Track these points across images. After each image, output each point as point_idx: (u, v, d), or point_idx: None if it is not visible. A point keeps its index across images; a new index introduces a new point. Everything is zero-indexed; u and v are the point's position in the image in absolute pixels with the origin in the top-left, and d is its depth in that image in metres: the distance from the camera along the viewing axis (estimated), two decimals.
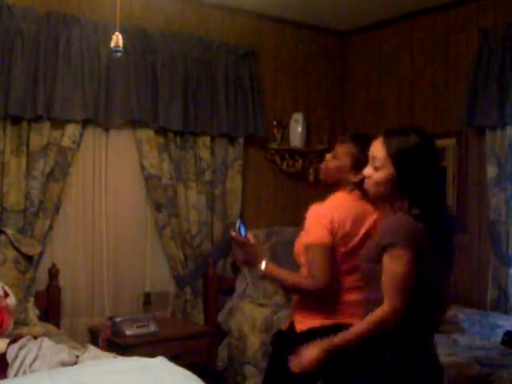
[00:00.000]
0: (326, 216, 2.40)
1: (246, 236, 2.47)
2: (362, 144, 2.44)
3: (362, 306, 2.20)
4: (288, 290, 2.70)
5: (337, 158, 2.54)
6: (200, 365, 3.59)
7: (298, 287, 2.45)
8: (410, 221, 1.97)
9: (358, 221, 2.43)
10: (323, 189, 2.61)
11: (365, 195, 2.36)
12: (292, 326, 2.51)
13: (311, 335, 2.32)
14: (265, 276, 2.50)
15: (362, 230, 2.42)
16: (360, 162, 2.38)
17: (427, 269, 1.97)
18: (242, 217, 2.61)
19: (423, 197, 2.01)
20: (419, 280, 1.95)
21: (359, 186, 2.40)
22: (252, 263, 2.48)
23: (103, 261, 4.07)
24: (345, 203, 2.47)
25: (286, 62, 4.94)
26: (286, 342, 2.52)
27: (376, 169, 2.09)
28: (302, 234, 2.51)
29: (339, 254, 2.40)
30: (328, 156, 2.60)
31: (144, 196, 4.25)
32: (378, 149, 2.11)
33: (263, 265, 2.44)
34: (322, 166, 2.62)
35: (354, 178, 2.47)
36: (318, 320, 2.41)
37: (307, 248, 2.43)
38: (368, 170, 2.13)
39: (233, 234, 2.49)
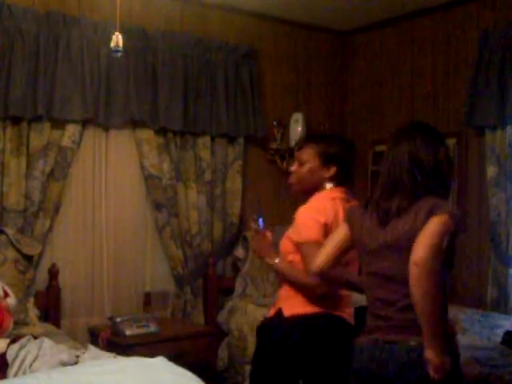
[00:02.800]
0: (319, 217, 2.45)
1: (264, 230, 2.59)
2: (323, 140, 2.60)
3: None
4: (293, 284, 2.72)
5: (304, 164, 2.60)
6: (200, 365, 3.58)
7: (300, 282, 2.49)
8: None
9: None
10: (300, 199, 2.66)
11: (344, 190, 2.54)
12: (279, 313, 2.53)
13: (301, 321, 2.43)
14: (276, 269, 2.59)
15: None
16: (329, 155, 2.54)
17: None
18: (261, 212, 2.73)
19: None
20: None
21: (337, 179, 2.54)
22: (266, 256, 2.57)
23: (103, 261, 4.08)
24: (331, 201, 2.52)
25: (286, 62, 4.94)
26: (272, 329, 2.55)
27: None
28: (289, 233, 2.57)
29: None
30: (293, 167, 2.68)
31: (144, 196, 4.25)
32: None
33: (277, 260, 2.54)
34: (293, 178, 2.68)
35: (328, 173, 2.56)
36: (309, 307, 2.46)
37: (301, 246, 2.46)
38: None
39: (253, 225, 2.59)
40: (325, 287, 2.40)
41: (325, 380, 2.45)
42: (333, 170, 2.56)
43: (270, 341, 2.55)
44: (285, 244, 2.59)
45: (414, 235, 2.00)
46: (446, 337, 1.99)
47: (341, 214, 2.47)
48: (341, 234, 2.27)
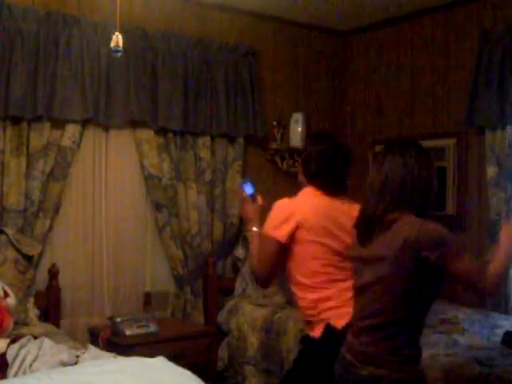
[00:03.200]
0: (291, 216, 2.51)
1: (253, 195, 2.70)
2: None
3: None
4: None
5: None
6: (200, 365, 3.59)
7: (250, 260, 2.67)
8: None
9: (324, 215, 2.52)
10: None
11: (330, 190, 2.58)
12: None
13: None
14: (249, 237, 2.72)
15: (331, 225, 2.51)
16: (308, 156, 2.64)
17: None
18: (247, 178, 2.82)
19: None
20: None
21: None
22: (251, 220, 2.66)
23: (103, 261, 4.08)
24: (309, 198, 2.58)
25: (286, 62, 4.94)
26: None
27: None
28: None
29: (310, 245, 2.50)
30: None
31: (144, 196, 4.25)
32: None
33: (255, 228, 2.64)
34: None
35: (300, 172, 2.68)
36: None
37: (262, 235, 2.55)
38: None
39: (241, 192, 2.75)
40: (258, 281, 2.62)
41: None
42: (299, 169, 2.73)
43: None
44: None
45: (385, 259, 2.02)
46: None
47: (316, 211, 2.52)
48: None
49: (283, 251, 2.54)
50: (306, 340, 2.60)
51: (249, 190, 2.69)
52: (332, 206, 2.57)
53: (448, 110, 4.47)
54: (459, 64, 4.39)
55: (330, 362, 2.22)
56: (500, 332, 3.38)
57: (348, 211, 2.53)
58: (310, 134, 2.74)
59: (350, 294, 2.32)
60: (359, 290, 2.14)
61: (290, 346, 3.67)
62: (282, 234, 2.50)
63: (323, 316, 2.48)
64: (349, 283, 2.35)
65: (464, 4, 4.35)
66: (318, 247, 2.50)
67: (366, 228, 2.11)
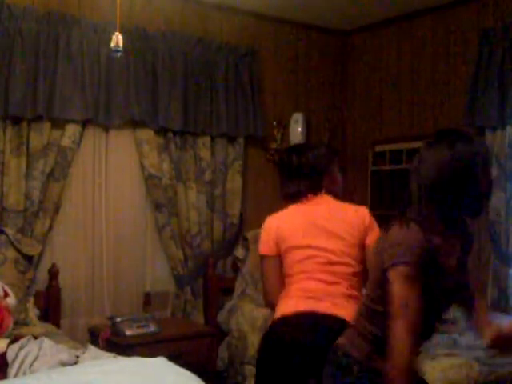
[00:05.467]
0: (270, 227, 2.66)
1: None
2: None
3: None
4: None
5: None
6: (200, 365, 3.59)
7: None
8: None
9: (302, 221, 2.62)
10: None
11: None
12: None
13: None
14: None
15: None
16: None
17: None
18: None
19: None
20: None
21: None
22: None
23: (103, 261, 4.08)
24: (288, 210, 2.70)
25: (286, 62, 4.94)
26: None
27: None
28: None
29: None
30: None
31: (144, 196, 4.25)
32: None
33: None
34: None
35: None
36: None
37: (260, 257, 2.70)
38: None
39: None
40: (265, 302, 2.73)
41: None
42: None
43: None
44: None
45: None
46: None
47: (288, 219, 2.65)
48: None
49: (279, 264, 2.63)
50: None
51: None
52: (309, 211, 2.65)
53: (448, 110, 4.47)
54: (459, 64, 4.39)
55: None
56: None
57: (328, 214, 2.62)
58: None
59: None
60: None
61: None
62: (269, 247, 2.64)
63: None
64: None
65: (464, 4, 4.35)
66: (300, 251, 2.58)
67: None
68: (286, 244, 2.58)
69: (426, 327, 1.91)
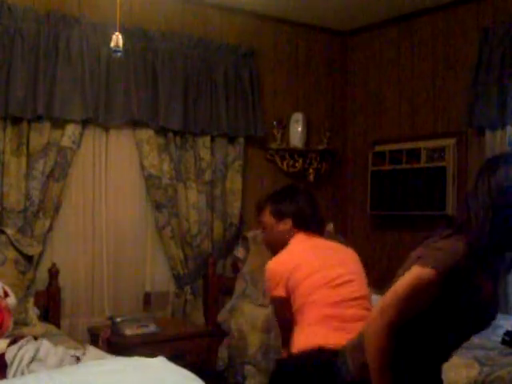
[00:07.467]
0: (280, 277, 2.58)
1: None
2: (272, 199, 2.82)
3: None
4: None
5: (265, 227, 2.80)
6: (200, 365, 3.59)
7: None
8: None
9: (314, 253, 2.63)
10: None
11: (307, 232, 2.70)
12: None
13: None
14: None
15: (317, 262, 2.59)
16: (280, 212, 2.73)
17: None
18: None
19: None
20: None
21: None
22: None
23: (103, 261, 4.08)
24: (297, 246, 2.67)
25: (286, 62, 4.94)
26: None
27: None
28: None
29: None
30: (263, 233, 2.89)
31: (144, 196, 4.25)
32: None
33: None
34: (264, 243, 2.92)
35: (285, 227, 2.71)
36: None
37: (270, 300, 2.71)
38: None
39: None
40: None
41: None
42: (288, 223, 2.71)
43: None
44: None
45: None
46: None
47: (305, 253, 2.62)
48: None
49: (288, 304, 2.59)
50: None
51: None
52: (319, 244, 2.71)
53: (448, 110, 4.47)
54: (459, 64, 4.39)
55: None
56: (500, 332, 3.38)
57: (334, 246, 2.74)
58: (284, 193, 2.84)
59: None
60: None
61: None
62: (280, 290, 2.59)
63: None
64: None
65: (464, 4, 4.35)
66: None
67: None
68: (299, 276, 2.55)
69: (442, 348, 1.94)
